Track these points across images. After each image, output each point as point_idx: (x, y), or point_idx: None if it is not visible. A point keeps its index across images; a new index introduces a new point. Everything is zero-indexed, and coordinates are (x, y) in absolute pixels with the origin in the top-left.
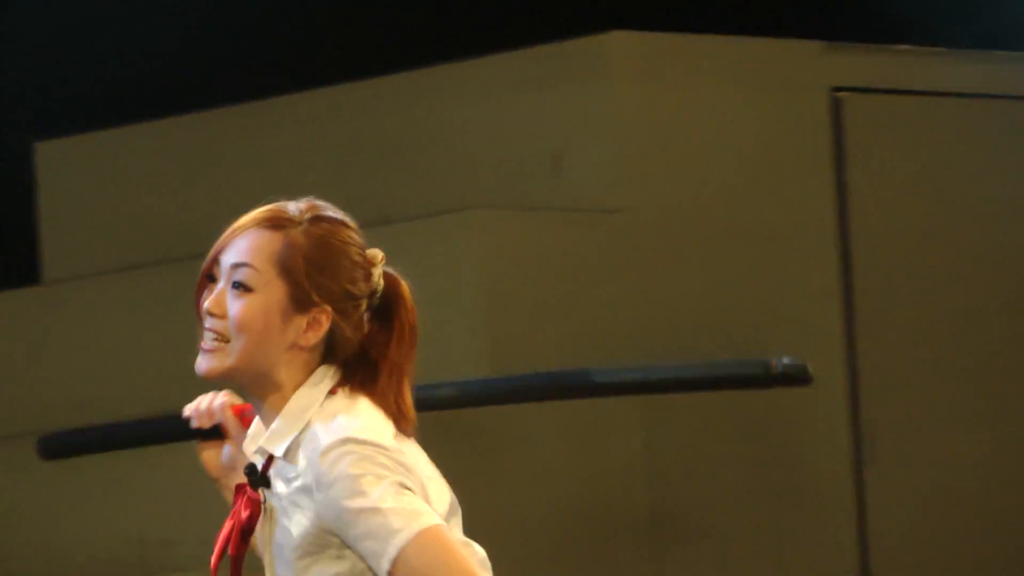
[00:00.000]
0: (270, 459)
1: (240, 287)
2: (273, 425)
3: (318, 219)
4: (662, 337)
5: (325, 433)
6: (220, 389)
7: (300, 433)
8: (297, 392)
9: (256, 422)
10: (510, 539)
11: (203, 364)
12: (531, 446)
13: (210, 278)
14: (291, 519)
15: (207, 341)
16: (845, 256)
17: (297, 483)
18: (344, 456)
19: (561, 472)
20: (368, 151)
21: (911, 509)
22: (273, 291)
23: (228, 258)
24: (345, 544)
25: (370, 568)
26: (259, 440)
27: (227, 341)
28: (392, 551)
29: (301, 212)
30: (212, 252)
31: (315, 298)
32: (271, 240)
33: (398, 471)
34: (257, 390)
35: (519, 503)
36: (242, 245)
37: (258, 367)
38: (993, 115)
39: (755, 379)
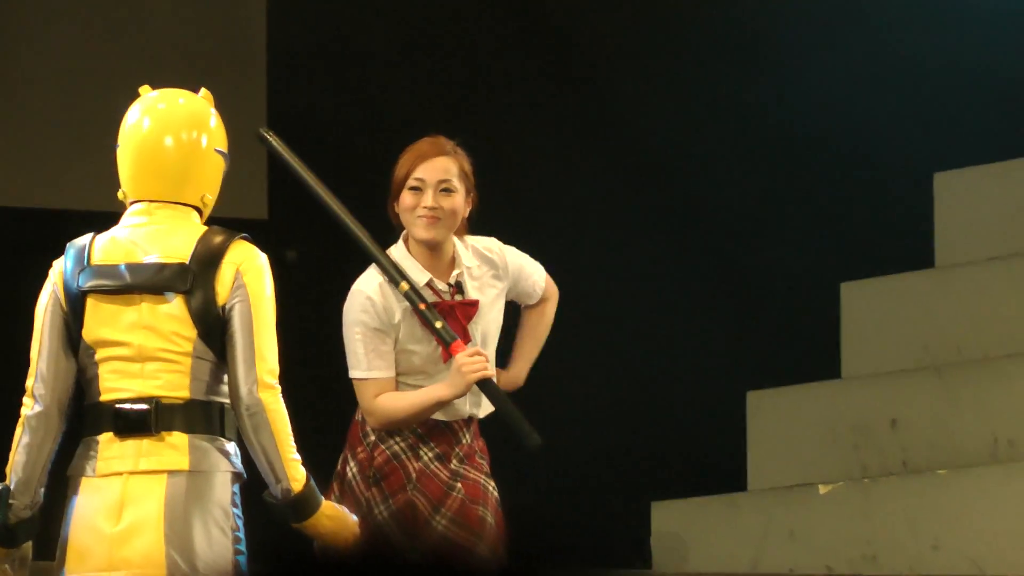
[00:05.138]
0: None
1: (446, 191)
2: (459, 254)
3: (461, 147)
4: None
5: (483, 242)
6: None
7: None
8: (455, 240)
9: (414, 266)
10: None
11: (433, 232)
12: None
13: (413, 188)
14: (491, 300)
15: (430, 221)
16: None
17: (485, 270)
18: (501, 243)
19: None
20: None
21: None
22: (462, 192)
23: (433, 176)
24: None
25: (525, 294)
26: (459, 268)
27: (440, 219)
28: (542, 270)
29: (452, 144)
30: (406, 172)
31: (472, 192)
32: (452, 162)
33: None
34: (446, 242)
35: None
36: (439, 165)
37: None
38: None
39: None
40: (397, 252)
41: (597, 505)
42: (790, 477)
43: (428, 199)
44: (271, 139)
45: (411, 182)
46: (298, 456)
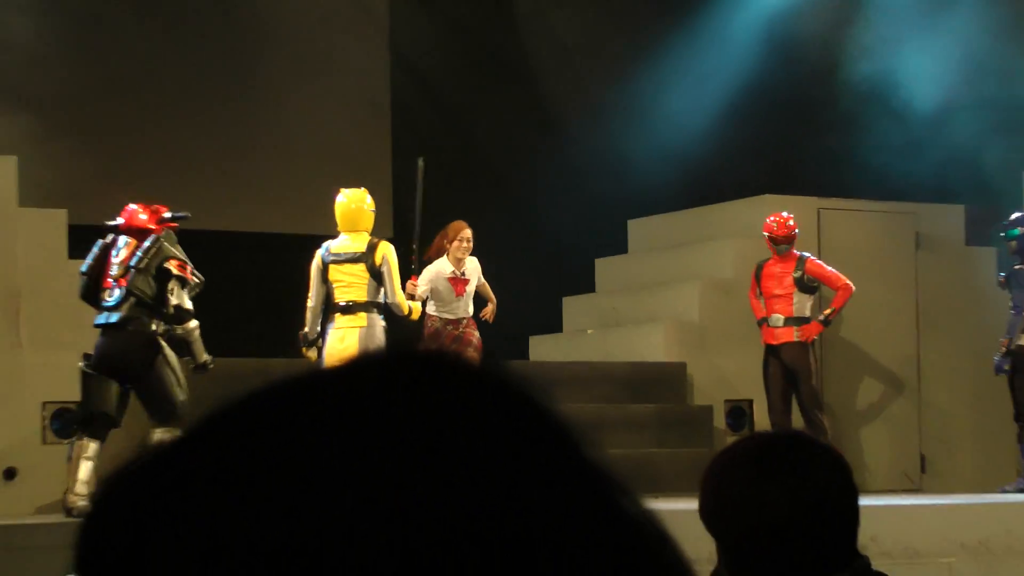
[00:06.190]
0: None
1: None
2: (465, 262)
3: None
4: None
5: (471, 259)
6: None
7: None
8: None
9: (447, 264)
10: None
11: (467, 256)
12: None
13: None
14: (473, 281)
15: (469, 251)
16: None
17: (471, 269)
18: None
19: None
20: None
21: None
22: None
23: (468, 234)
24: None
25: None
26: (464, 267)
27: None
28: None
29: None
30: (458, 234)
31: None
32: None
33: None
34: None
35: None
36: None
37: None
38: None
39: None
40: (445, 257)
41: (497, 346)
42: (587, 326)
43: (470, 245)
44: (420, 167)
45: (463, 238)
46: (409, 306)
